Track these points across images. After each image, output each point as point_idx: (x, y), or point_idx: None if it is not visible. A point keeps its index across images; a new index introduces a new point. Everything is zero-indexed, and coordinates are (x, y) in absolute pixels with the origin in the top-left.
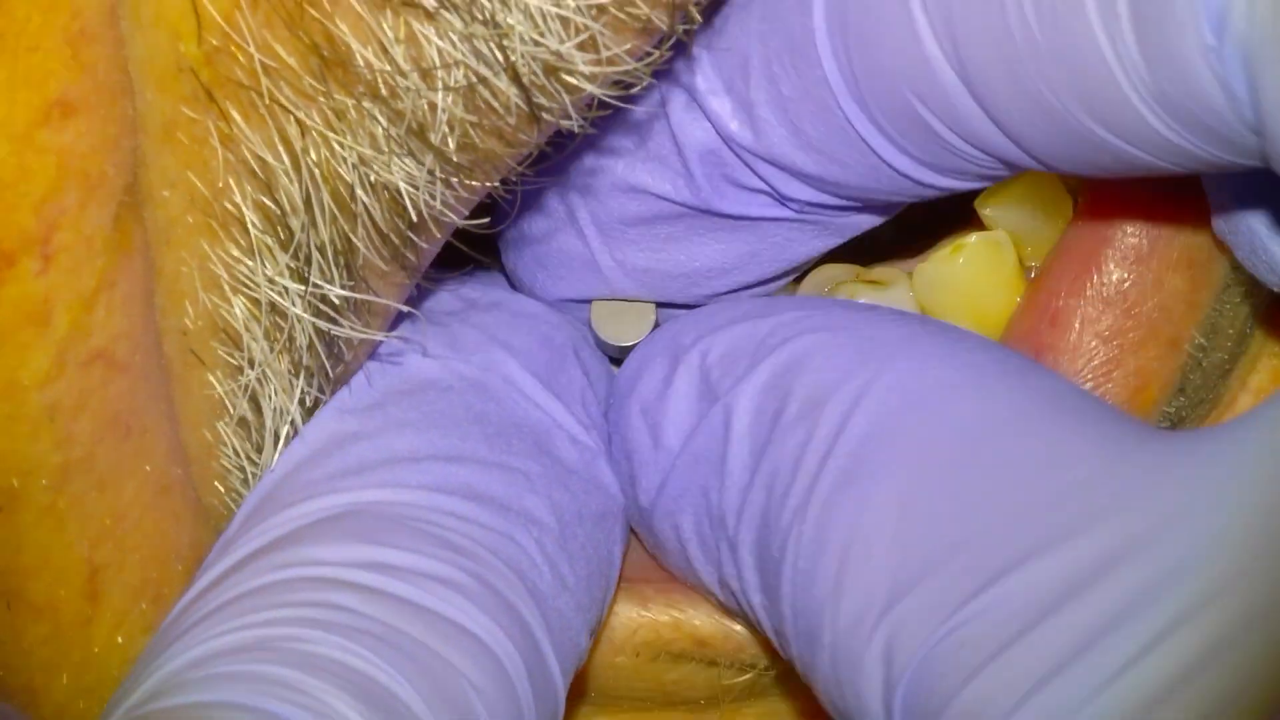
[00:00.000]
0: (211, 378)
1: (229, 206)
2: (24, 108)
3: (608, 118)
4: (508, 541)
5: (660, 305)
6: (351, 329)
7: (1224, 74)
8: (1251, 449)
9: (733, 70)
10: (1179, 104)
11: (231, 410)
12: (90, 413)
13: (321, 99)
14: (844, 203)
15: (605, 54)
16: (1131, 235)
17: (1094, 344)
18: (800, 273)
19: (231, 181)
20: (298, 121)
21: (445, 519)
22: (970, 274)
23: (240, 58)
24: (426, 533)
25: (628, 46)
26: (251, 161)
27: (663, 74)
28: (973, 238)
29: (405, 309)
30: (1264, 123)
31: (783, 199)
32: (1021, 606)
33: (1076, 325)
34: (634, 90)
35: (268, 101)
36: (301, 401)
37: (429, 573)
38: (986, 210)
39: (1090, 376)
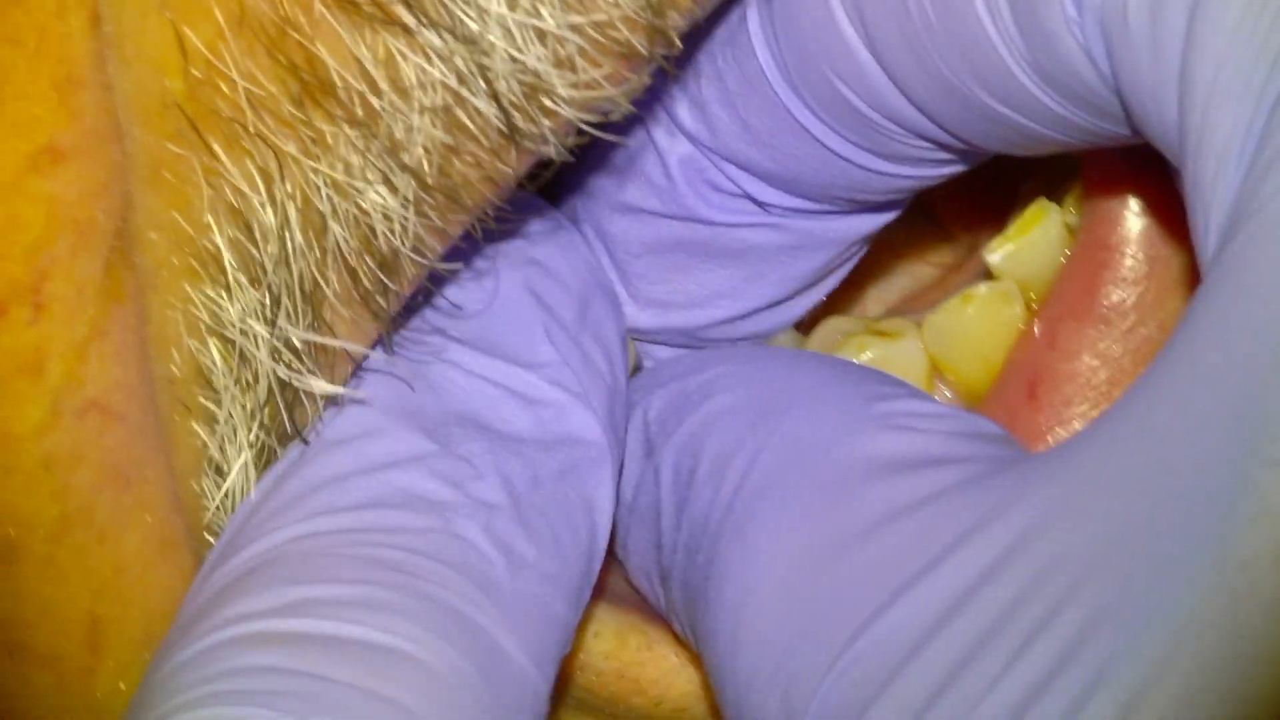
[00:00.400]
0: (196, 426)
1: (208, 245)
2: (12, 155)
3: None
4: (448, 539)
5: (681, 345)
6: (313, 380)
7: (1087, 45)
8: (1093, 464)
9: (685, 69)
10: (1055, 76)
11: (211, 462)
12: (88, 463)
13: (300, 126)
14: (818, 206)
15: (584, 77)
16: (1129, 257)
17: (1094, 364)
18: (814, 290)
19: (212, 219)
20: (275, 151)
21: (373, 536)
22: (979, 322)
23: (223, 88)
24: (352, 556)
25: (607, 71)
26: (231, 196)
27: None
28: (982, 288)
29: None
30: (1123, 92)
31: (760, 204)
32: (899, 641)
33: (1075, 347)
34: (613, 117)
35: (251, 132)
36: (262, 454)
37: (354, 599)
38: (994, 259)
39: (1091, 397)
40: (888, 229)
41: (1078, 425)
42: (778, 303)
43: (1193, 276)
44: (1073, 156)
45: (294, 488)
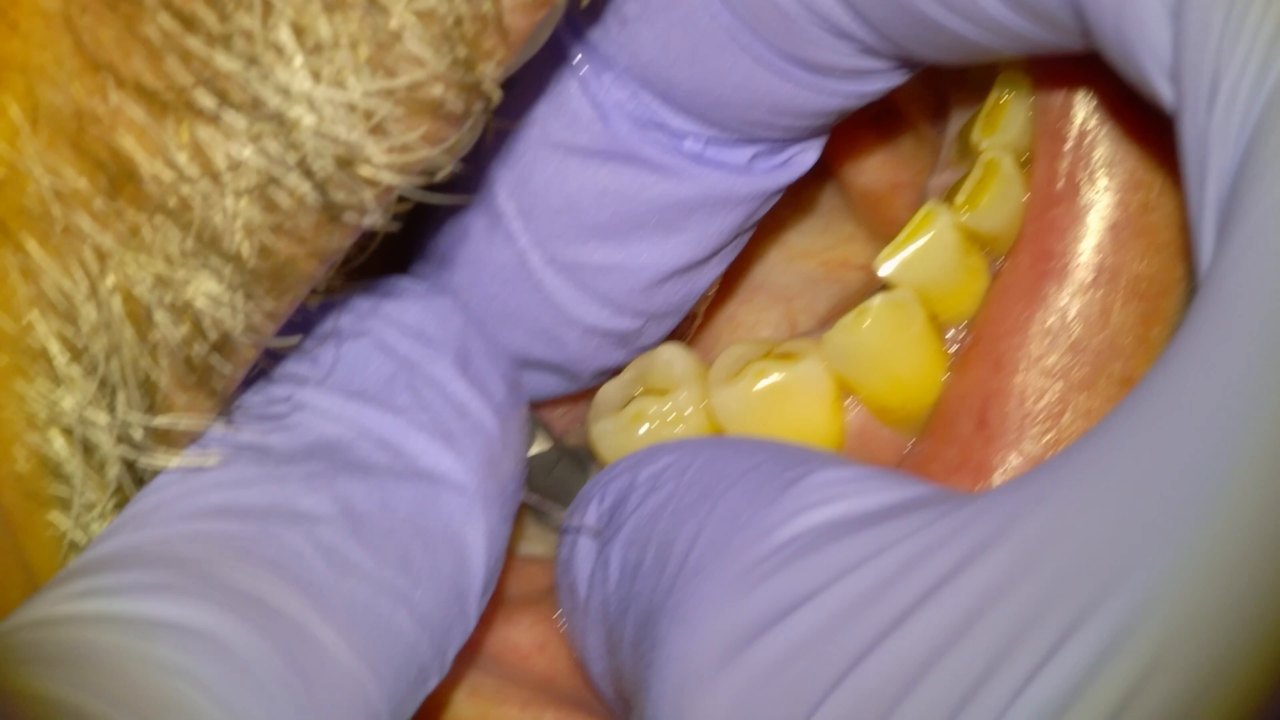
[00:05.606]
0: (51, 517)
1: (33, 342)
2: None
3: (519, 88)
4: (261, 541)
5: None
6: (159, 456)
7: None
8: (1083, 477)
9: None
10: None
11: (74, 547)
12: None
13: (114, 219)
14: (734, 135)
15: (399, 141)
16: (1075, 265)
17: (1041, 382)
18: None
19: (37, 316)
20: (94, 246)
21: (174, 542)
22: (878, 336)
23: (29, 185)
24: (143, 555)
25: (424, 131)
26: (51, 293)
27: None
28: (877, 299)
29: (217, 418)
30: (1087, 14)
31: (675, 135)
32: (895, 675)
33: (1021, 365)
34: (439, 177)
35: (62, 228)
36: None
37: (129, 585)
38: (884, 269)
39: (1041, 417)
40: (811, 233)
41: (1031, 449)
42: (691, 266)
43: (1143, 290)
44: (975, 151)
45: (112, 526)
